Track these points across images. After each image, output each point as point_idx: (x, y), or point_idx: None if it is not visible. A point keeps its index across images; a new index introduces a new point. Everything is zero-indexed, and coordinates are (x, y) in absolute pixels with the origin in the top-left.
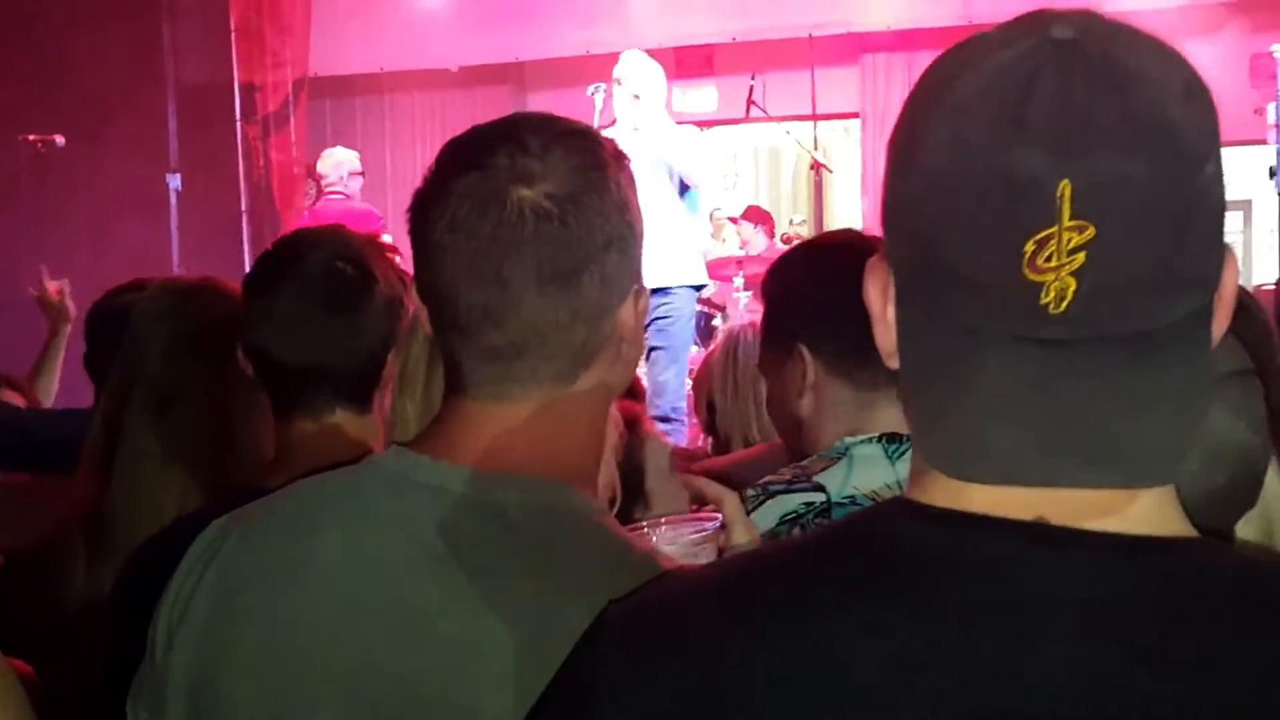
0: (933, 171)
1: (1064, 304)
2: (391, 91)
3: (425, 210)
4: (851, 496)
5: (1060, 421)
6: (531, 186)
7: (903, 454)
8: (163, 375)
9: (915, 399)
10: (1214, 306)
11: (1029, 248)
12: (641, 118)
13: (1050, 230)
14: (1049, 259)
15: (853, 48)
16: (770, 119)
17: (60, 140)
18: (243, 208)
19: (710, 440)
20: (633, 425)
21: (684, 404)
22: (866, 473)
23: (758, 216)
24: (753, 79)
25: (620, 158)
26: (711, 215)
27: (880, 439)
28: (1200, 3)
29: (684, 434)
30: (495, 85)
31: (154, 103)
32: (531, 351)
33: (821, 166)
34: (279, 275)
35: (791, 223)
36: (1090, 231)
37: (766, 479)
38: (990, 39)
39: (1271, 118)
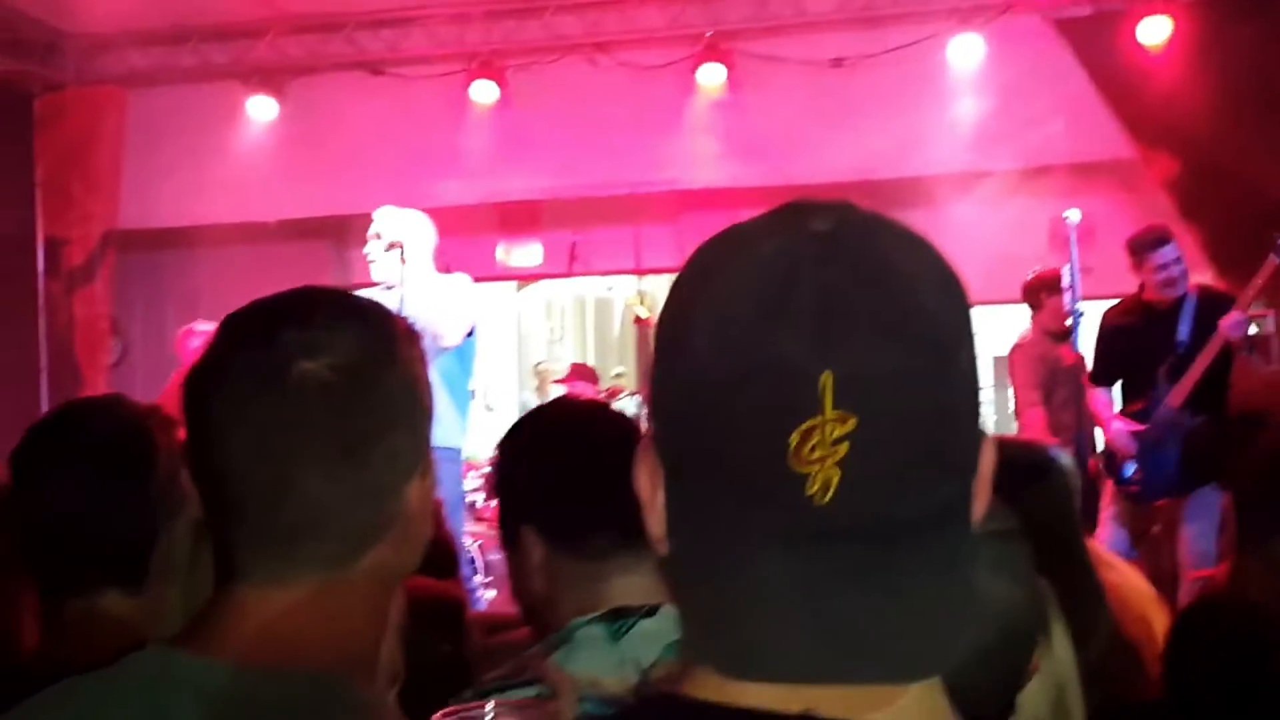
0: (698, 361)
1: (828, 495)
2: (207, 244)
3: (201, 387)
4: None
5: (826, 619)
6: (315, 359)
7: (628, 630)
8: None
9: (682, 591)
10: (973, 491)
11: (794, 439)
12: (398, 273)
13: (814, 421)
14: (813, 450)
15: (674, 205)
16: (594, 273)
17: None
18: (42, 364)
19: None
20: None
21: (469, 569)
22: (588, 656)
23: (583, 374)
24: (575, 236)
25: (412, 334)
26: (536, 368)
27: (606, 616)
28: (1003, 169)
29: (478, 598)
30: (315, 239)
31: None
32: (311, 533)
33: (643, 322)
34: (48, 449)
35: (614, 375)
36: (852, 422)
37: (488, 675)
38: (751, 231)
39: (1066, 279)
